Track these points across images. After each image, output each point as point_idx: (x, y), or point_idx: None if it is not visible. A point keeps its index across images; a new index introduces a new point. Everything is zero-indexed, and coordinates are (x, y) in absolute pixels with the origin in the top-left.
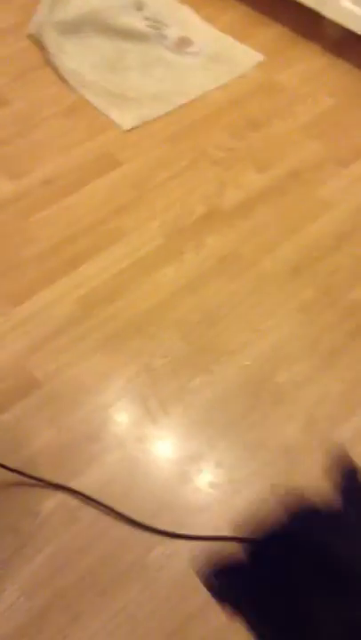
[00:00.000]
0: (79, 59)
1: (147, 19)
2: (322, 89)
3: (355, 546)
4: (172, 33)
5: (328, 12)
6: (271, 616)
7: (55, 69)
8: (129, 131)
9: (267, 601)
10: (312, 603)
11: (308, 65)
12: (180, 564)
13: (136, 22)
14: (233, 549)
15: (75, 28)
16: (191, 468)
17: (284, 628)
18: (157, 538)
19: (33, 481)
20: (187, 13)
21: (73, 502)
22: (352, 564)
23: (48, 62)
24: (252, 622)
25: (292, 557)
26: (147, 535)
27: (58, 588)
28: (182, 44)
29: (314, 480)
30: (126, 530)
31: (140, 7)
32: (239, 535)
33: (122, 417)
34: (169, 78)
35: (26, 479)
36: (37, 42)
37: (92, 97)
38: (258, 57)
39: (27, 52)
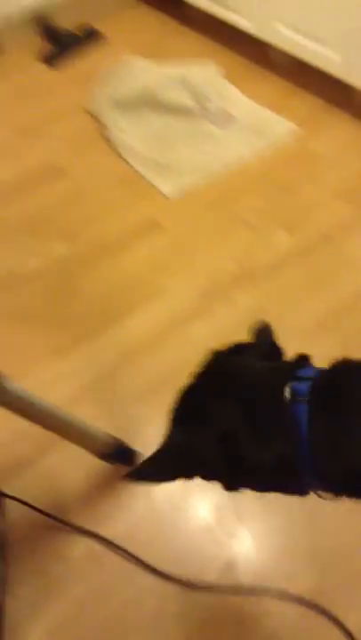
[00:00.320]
0: (131, 132)
1: (191, 93)
2: (352, 155)
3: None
4: (214, 106)
5: (355, 80)
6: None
7: (109, 142)
8: (172, 198)
9: None
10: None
11: (339, 132)
12: (200, 614)
13: (181, 97)
14: None
15: (128, 103)
16: (214, 519)
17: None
18: (179, 587)
19: (63, 525)
20: (227, 87)
21: (99, 548)
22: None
23: (103, 136)
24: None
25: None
26: (169, 584)
27: (82, 631)
28: (223, 116)
29: None
30: (150, 578)
31: (184, 82)
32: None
33: None
34: (210, 149)
35: (57, 523)
36: (94, 117)
37: (140, 167)
38: (292, 127)
39: (84, 127)
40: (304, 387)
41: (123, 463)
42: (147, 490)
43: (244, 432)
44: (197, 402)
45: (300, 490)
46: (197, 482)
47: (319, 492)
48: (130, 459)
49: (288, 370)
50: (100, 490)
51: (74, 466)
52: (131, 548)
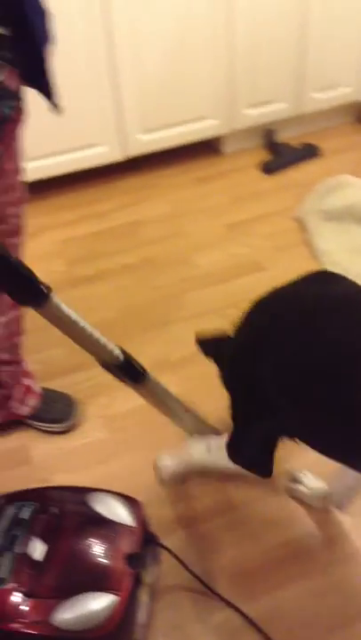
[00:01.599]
0: (333, 241)
1: None
2: None
3: None
4: None
5: None
6: None
7: (310, 247)
8: None
9: None
10: None
11: None
12: None
13: None
14: None
15: (335, 215)
16: None
17: None
18: None
19: (209, 592)
20: None
21: (239, 622)
22: None
23: (305, 242)
24: None
25: None
26: None
27: None
28: None
29: None
30: None
31: None
32: None
33: (303, 550)
34: None
35: (204, 588)
36: (300, 223)
37: None
38: None
39: (289, 230)
40: None
41: (128, 379)
42: (292, 578)
43: None
44: None
45: None
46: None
47: None
48: (135, 376)
49: None
50: (251, 565)
51: (233, 535)
52: (271, 633)
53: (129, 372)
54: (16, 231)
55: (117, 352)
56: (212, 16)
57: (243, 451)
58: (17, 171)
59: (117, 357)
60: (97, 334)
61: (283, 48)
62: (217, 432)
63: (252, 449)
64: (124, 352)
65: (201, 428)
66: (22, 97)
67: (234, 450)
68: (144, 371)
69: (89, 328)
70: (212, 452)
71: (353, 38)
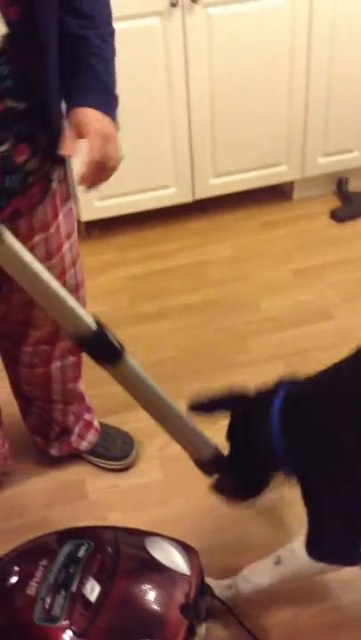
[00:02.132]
0: None
1: None
2: None
3: None
4: None
5: None
6: None
7: None
8: None
9: None
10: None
11: None
12: None
13: None
14: None
15: None
16: None
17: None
18: None
19: None
20: None
21: None
22: None
23: None
24: None
25: None
26: None
27: None
28: None
29: None
30: None
31: None
32: None
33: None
34: None
35: None
36: None
37: None
38: None
39: (359, 281)
40: None
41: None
42: None
43: None
44: None
45: None
46: None
47: None
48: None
49: None
50: (304, 626)
51: (289, 592)
52: None
53: (101, 348)
54: (74, 289)
55: (90, 320)
56: (290, 64)
57: (328, 542)
58: (66, 240)
59: (90, 328)
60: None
61: (357, 97)
62: (211, 447)
63: (336, 535)
64: (98, 323)
65: (191, 435)
66: (43, 172)
67: (319, 545)
68: (122, 348)
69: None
70: (285, 562)
71: None
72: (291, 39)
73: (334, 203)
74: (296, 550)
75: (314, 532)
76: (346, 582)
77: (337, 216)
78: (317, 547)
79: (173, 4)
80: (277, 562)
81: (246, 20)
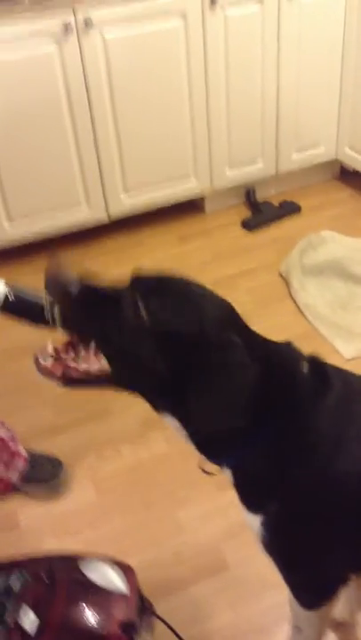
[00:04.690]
0: (316, 296)
1: None
2: None
3: None
4: None
5: None
6: None
7: (294, 302)
8: (350, 360)
9: None
10: None
11: None
12: None
13: None
14: None
15: (318, 271)
16: None
17: None
18: None
19: None
20: None
21: None
22: None
23: (289, 296)
24: None
25: None
26: None
27: None
28: None
29: None
30: None
31: None
32: None
33: None
34: None
35: None
36: (284, 278)
37: (321, 327)
38: None
39: (273, 285)
40: None
41: None
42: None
43: None
44: None
45: None
46: None
47: None
48: None
49: None
50: (248, 628)
51: (228, 596)
52: None
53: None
54: None
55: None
56: (192, 82)
57: (311, 589)
58: None
59: None
60: None
61: (257, 112)
62: None
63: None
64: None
65: None
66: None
67: (306, 597)
68: None
69: None
70: (302, 625)
71: (327, 101)
72: (186, 58)
73: (245, 213)
74: (296, 610)
75: (294, 585)
76: None
77: (248, 225)
78: (304, 599)
79: (67, 28)
80: (300, 631)
81: (142, 41)
